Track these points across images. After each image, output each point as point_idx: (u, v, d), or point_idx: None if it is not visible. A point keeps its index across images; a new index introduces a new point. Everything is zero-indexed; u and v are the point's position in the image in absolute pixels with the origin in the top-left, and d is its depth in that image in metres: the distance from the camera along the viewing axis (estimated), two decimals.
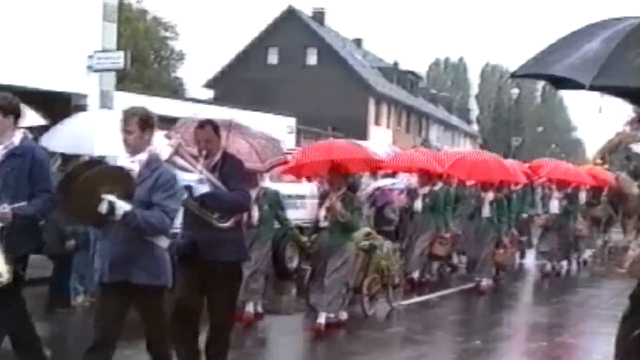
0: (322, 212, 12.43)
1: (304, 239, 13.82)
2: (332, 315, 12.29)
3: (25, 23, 21.15)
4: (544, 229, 21.30)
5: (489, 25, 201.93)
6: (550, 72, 5.41)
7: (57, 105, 19.32)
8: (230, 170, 8.44)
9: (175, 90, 59.44)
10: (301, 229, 16.74)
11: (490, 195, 17.75)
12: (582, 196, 23.14)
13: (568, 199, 21.32)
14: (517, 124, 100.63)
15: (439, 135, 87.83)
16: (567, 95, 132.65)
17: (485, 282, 17.42)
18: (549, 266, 20.66)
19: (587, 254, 23.94)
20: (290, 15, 71.29)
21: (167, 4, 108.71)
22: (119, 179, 6.96)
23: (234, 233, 8.45)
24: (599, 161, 29.09)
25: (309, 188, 17.89)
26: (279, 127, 35.84)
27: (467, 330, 13.46)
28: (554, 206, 21.02)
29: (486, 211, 17.66)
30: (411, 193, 18.28)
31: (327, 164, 12.88)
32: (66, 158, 12.54)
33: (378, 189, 19.83)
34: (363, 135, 55.72)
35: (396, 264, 14.33)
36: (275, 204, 13.30)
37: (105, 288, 7.24)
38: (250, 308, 12.64)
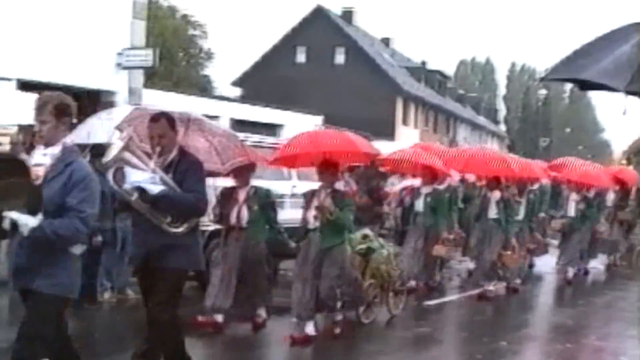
0: (311, 213, 11.54)
1: (292, 244, 12.49)
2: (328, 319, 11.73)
3: (56, 21, 21.32)
4: (562, 233, 20.27)
5: (516, 25, 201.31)
6: (583, 77, 5.37)
7: (87, 102, 19.44)
8: (186, 169, 7.83)
9: (203, 88, 59.58)
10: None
11: (496, 195, 16.60)
12: (610, 198, 22.69)
13: (586, 202, 19.88)
14: (545, 125, 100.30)
15: (466, 135, 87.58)
16: (595, 97, 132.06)
17: (493, 287, 16.45)
18: (570, 273, 19.48)
19: (602, 260, 22.61)
20: (319, 14, 71.26)
21: (197, 2, 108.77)
22: (23, 190, 6.43)
23: (188, 239, 7.83)
24: (624, 162, 28.66)
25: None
26: (306, 126, 35.93)
27: (492, 331, 13.42)
28: (571, 209, 19.91)
29: (492, 212, 16.55)
30: (413, 192, 17.50)
31: (319, 156, 12.09)
32: (94, 153, 12.59)
33: (405, 188, 18.66)
34: (391, 135, 55.69)
35: (398, 269, 13.42)
36: (267, 204, 12.13)
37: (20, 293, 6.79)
38: (218, 317, 11.68)
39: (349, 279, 11.78)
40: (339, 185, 12.08)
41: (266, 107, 40.38)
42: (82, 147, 12.89)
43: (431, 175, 16.98)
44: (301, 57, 70.90)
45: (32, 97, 13.12)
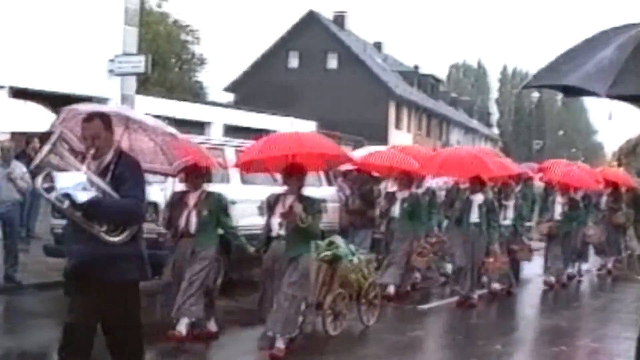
0: (276, 219, 10.83)
1: (251, 249, 11.39)
2: (290, 334, 10.65)
3: (48, 28, 21.30)
4: (548, 238, 19.21)
5: (507, 28, 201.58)
6: (566, 83, 5.34)
7: None
8: (123, 172, 7.25)
9: (196, 94, 59.56)
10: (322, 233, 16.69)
11: (479, 198, 15.54)
12: (603, 200, 22.17)
13: (572, 204, 19.07)
14: (538, 128, 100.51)
15: (459, 139, 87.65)
16: (588, 99, 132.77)
17: (476, 295, 15.55)
18: (552, 278, 18.56)
19: (610, 262, 21.99)
20: (311, 19, 71.35)
21: (188, 8, 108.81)
22: None
23: (130, 248, 7.24)
24: (614, 163, 28.01)
25: (330, 191, 17.74)
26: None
27: (487, 334, 13.41)
28: (557, 212, 19.06)
29: (474, 216, 15.48)
30: (389, 197, 16.82)
31: (283, 160, 11.32)
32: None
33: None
34: (384, 139, 55.70)
35: (370, 277, 12.69)
36: (219, 209, 11.44)
37: None
38: (182, 327, 10.96)
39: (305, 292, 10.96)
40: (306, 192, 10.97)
41: (259, 113, 40.41)
42: None
43: (407, 179, 16.45)
44: (294, 62, 70.99)
45: (23, 105, 13.13)
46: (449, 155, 16.96)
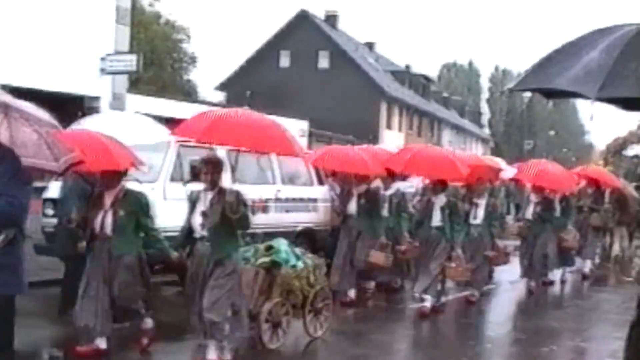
0: (197, 219, 9.81)
1: (174, 254, 10.26)
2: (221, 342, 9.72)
3: (39, 26, 21.29)
4: (521, 238, 18.55)
5: (498, 29, 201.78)
6: (554, 86, 5.33)
7: (70, 108, 19.42)
8: None
9: (188, 93, 59.54)
10: (313, 232, 16.72)
11: (441, 199, 14.64)
12: (587, 202, 21.13)
13: (545, 205, 18.03)
14: (529, 128, 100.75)
15: (451, 138, 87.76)
16: (579, 100, 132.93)
17: (430, 303, 14.37)
18: (532, 283, 18.01)
19: (587, 265, 21.07)
20: (303, 18, 71.35)
21: (180, 7, 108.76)
22: None
23: (4, 257, 6.42)
24: (600, 162, 27.33)
25: (321, 191, 17.69)
26: (291, 131, 35.90)
27: (478, 334, 13.45)
28: (529, 212, 18.22)
29: (436, 219, 14.53)
30: (342, 193, 15.94)
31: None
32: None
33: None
34: (375, 139, 55.74)
35: (318, 284, 11.49)
36: (138, 209, 10.24)
37: None
38: (101, 344, 10.06)
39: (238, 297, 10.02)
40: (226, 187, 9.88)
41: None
42: None
43: (363, 174, 15.47)
44: (285, 62, 70.99)
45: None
46: (419, 153, 15.58)
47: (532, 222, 18.08)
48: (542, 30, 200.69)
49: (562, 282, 19.74)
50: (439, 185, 14.74)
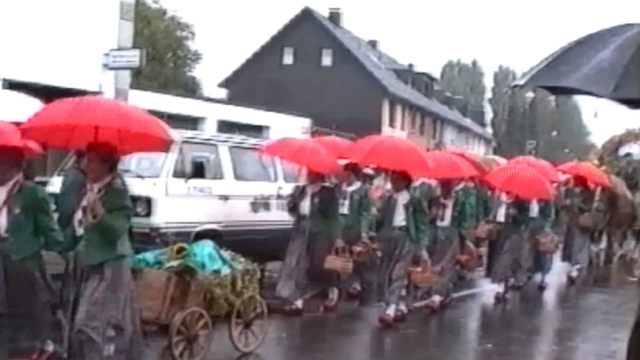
0: (78, 215, 8.66)
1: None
2: None
3: (43, 21, 21.29)
4: (489, 243, 17.45)
5: (503, 29, 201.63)
6: (565, 84, 5.34)
7: None
8: None
9: (191, 90, 59.54)
10: None
11: (404, 197, 13.33)
12: (576, 202, 20.05)
13: (519, 206, 16.57)
14: (532, 128, 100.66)
15: (453, 137, 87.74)
16: (582, 100, 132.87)
17: (392, 311, 13.16)
18: (500, 289, 16.59)
19: (575, 269, 19.85)
20: (306, 15, 71.32)
21: (184, 3, 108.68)
22: None
23: None
24: (596, 162, 25.43)
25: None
26: (293, 128, 35.92)
27: (479, 334, 13.46)
28: (500, 214, 16.83)
29: (399, 218, 13.27)
30: (297, 191, 14.19)
31: (87, 132, 8.39)
32: (79, 154, 12.52)
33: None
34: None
35: (247, 293, 10.11)
36: (36, 205, 8.98)
37: None
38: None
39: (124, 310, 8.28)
40: (118, 181, 8.42)
41: (253, 109, 40.36)
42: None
43: (317, 171, 13.97)
44: (288, 59, 70.95)
45: (18, 97, 13.13)
46: (381, 143, 14.20)
47: (504, 225, 16.68)
48: (545, 29, 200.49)
49: (541, 287, 18.45)
50: (401, 181, 13.45)
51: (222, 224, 13.50)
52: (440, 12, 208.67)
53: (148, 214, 13.44)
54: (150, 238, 12.72)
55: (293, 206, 14.04)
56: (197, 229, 13.83)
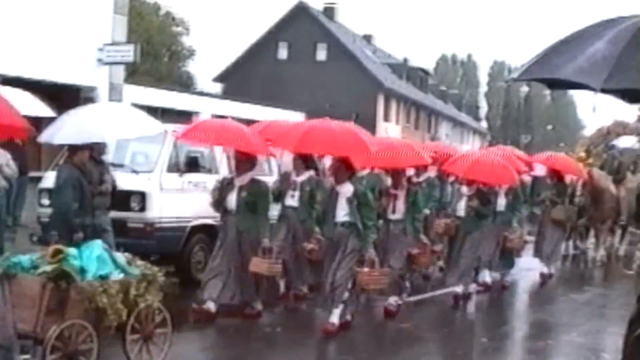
0: None
1: None
2: None
3: (36, 15, 21.24)
4: (448, 238, 15.57)
5: (497, 23, 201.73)
6: (558, 76, 5.33)
7: (67, 98, 19.38)
8: None
9: (186, 85, 59.56)
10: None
11: (347, 189, 11.87)
12: (549, 195, 18.75)
13: (481, 198, 15.08)
14: (527, 122, 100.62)
15: (448, 132, 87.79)
16: (576, 95, 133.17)
17: (337, 318, 11.71)
18: (459, 289, 14.98)
19: (547, 266, 18.57)
20: (301, 10, 71.24)
21: None
22: None
23: None
24: (582, 154, 24.53)
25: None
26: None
27: (473, 328, 13.45)
28: (460, 207, 15.21)
29: (342, 213, 11.86)
30: (224, 183, 12.65)
31: None
32: (72, 149, 12.48)
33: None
34: (372, 131, 55.76)
35: (146, 301, 8.76)
36: None
37: None
38: None
39: None
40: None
41: (248, 103, 40.36)
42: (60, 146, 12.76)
43: (246, 160, 12.52)
44: (283, 54, 70.87)
45: (12, 92, 13.08)
46: (314, 127, 12.70)
47: (465, 219, 15.05)
48: (540, 23, 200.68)
49: (503, 287, 17.18)
50: (344, 171, 12.01)
51: (217, 218, 13.46)
52: (434, 6, 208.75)
53: (142, 209, 13.44)
54: (145, 233, 12.70)
55: (218, 200, 12.52)
56: (192, 224, 13.82)
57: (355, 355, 11.14)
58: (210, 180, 13.91)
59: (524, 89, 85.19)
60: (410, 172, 14.67)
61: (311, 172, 14.04)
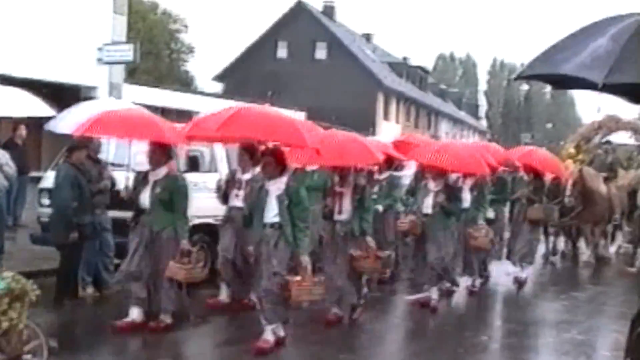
0: None
1: None
2: None
3: (36, 15, 21.25)
4: (414, 239, 14.08)
5: (496, 21, 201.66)
6: (560, 72, 5.34)
7: (67, 97, 19.37)
8: None
9: (185, 84, 59.55)
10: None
11: (277, 186, 10.51)
12: (525, 192, 17.38)
13: (448, 194, 13.75)
14: (527, 120, 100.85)
15: (448, 130, 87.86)
16: (576, 93, 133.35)
17: (270, 335, 10.48)
18: (434, 295, 13.85)
19: (522, 269, 17.37)
20: (300, 9, 71.36)
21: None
22: None
23: None
24: (572, 151, 23.49)
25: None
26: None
27: (474, 326, 13.41)
28: (427, 204, 13.72)
29: (271, 213, 10.47)
30: (138, 178, 11.57)
31: None
32: (70, 149, 12.49)
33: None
34: (372, 130, 55.73)
35: (9, 320, 7.58)
36: None
37: None
38: None
39: None
40: None
41: (245, 102, 40.30)
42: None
43: (160, 152, 11.32)
44: (282, 52, 71.00)
45: (11, 92, 13.09)
46: (239, 113, 10.91)
47: (432, 217, 13.66)
48: (540, 22, 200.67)
49: (471, 292, 15.96)
50: (274, 166, 10.61)
51: (217, 217, 13.42)
52: (434, 5, 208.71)
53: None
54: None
55: (131, 197, 11.42)
56: (192, 223, 13.80)
57: (356, 352, 11.13)
58: (211, 180, 13.88)
59: (524, 87, 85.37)
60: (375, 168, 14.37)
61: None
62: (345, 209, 12.12)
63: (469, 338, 12.17)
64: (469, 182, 15.13)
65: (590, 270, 20.86)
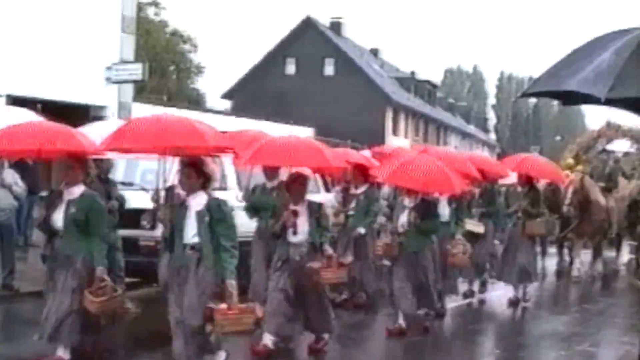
0: None
1: None
2: None
3: (45, 36, 21.35)
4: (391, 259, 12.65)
5: (503, 34, 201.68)
6: (564, 88, 5.36)
7: (76, 117, 19.43)
8: None
9: (194, 102, 59.66)
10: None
11: (198, 201, 9.14)
12: (523, 204, 15.88)
13: (422, 212, 12.38)
14: (535, 133, 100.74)
15: (457, 144, 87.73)
16: (585, 105, 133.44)
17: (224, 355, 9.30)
18: (400, 319, 12.48)
19: (515, 289, 16.29)
20: (308, 25, 71.41)
21: (186, 16, 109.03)
22: None
23: None
24: (571, 161, 22.62)
25: (328, 197, 16.09)
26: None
27: (486, 339, 13.41)
28: (403, 222, 12.42)
29: (190, 234, 9.07)
30: (51, 196, 10.28)
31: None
32: None
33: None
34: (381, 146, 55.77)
35: None
36: None
37: None
38: None
39: None
40: None
41: (255, 120, 40.36)
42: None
43: (74, 166, 9.92)
44: (291, 69, 71.07)
45: (22, 112, 13.15)
46: (158, 119, 9.86)
47: (406, 236, 12.38)
48: (547, 35, 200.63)
49: (439, 315, 13.98)
50: (194, 176, 9.22)
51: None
52: (440, 19, 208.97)
53: (153, 226, 13.40)
54: (156, 251, 12.70)
55: (44, 219, 9.97)
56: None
57: None
58: (219, 197, 13.83)
59: (532, 100, 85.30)
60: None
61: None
62: (301, 230, 10.75)
63: (480, 351, 12.17)
64: (445, 195, 13.79)
65: (600, 283, 20.79)
